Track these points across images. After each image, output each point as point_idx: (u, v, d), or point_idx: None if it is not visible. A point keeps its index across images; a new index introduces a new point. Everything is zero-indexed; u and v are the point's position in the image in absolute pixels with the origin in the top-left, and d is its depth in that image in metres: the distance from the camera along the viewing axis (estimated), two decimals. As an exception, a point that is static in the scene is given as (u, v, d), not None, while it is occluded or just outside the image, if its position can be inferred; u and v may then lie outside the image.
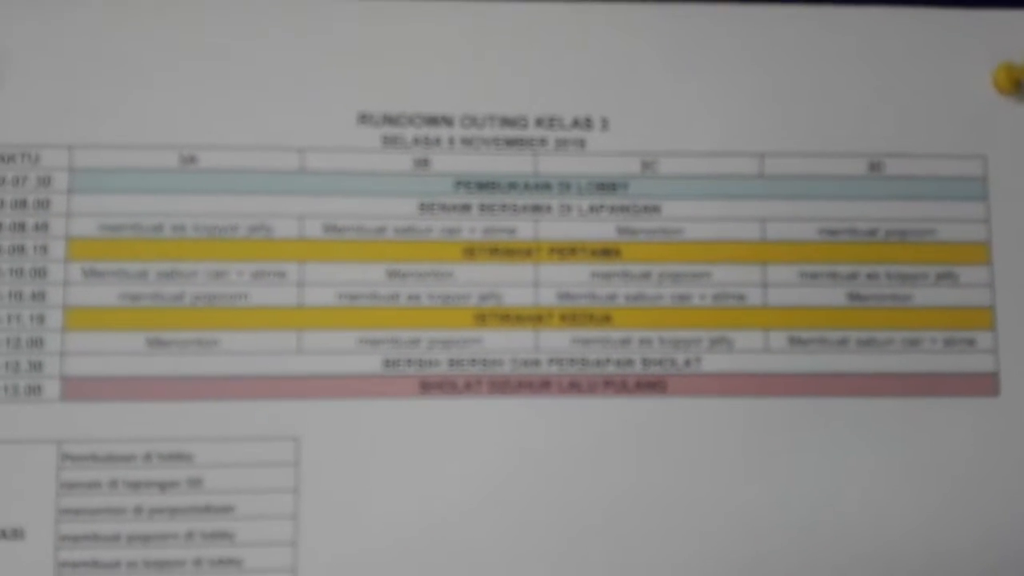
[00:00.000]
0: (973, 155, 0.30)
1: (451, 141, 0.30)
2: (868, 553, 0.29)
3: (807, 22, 0.31)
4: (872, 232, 0.30)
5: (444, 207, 0.29)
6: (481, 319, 0.29)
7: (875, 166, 0.30)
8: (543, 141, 0.30)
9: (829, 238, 0.30)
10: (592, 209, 0.30)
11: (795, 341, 0.29)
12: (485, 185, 0.30)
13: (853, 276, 0.30)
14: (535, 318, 0.29)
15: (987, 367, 0.29)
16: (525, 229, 0.29)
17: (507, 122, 0.30)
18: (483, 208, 0.29)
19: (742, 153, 0.30)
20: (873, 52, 0.31)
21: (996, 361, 0.29)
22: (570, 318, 0.29)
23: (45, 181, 0.29)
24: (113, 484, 0.28)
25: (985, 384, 0.29)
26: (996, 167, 0.30)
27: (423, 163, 0.30)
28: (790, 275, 0.30)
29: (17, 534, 0.27)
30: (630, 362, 0.29)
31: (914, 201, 0.30)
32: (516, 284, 0.29)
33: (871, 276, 0.30)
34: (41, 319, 0.28)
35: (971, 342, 0.30)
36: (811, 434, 0.29)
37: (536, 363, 0.29)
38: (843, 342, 0.29)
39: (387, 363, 0.29)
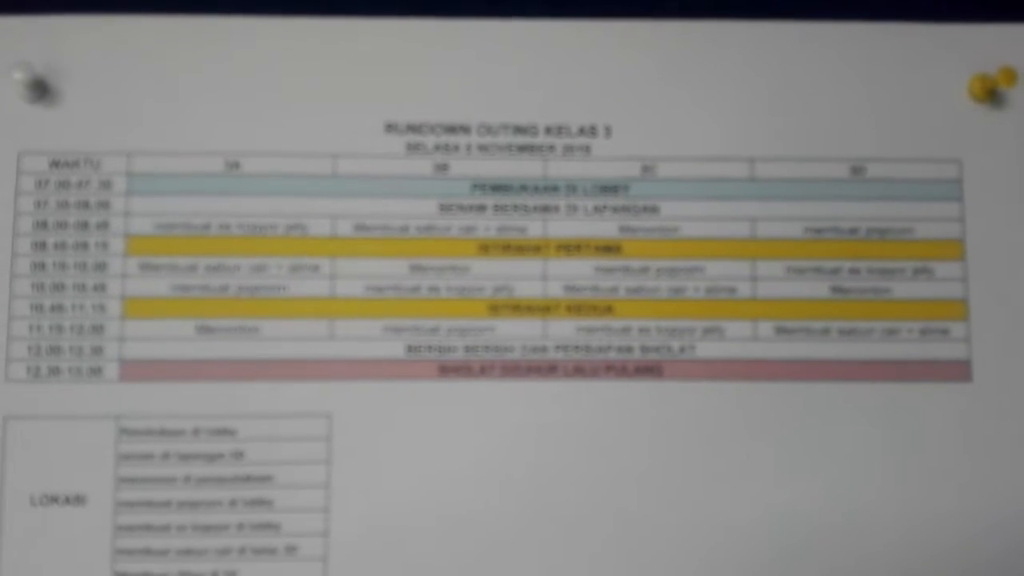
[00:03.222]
0: (949, 159, 0.30)
1: (468, 148, 0.30)
2: (847, 527, 0.29)
3: (794, 36, 0.31)
4: (854, 230, 0.30)
5: (462, 207, 0.30)
6: (494, 309, 0.29)
7: (857, 169, 0.30)
8: (552, 147, 0.30)
9: (814, 236, 0.30)
10: (596, 209, 0.30)
11: (781, 330, 0.30)
12: (499, 187, 0.30)
13: (836, 271, 0.30)
14: (543, 309, 0.30)
15: (960, 355, 0.30)
16: (535, 228, 0.30)
17: (519, 130, 0.30)
18: (497, 208, 0.30)
19: (734, 158, 0.30)
20: (856, 64, 0.31)
21: (969, 349, 0.30)
22: (575, 309, 0.30)
23: (106, 184, 0.29)
24: (165, 456, 0.28)
25: (958, 371, 0.29)
26: (970, 170, 0.30)
27: (443, 168, 0.30)
28: (777, 270, 0.30)
29: (80, 500, 0.28)
30: (630, 349, 0.29)
31: (893, 201, 0.30)
32: (526, 278, 0.30)
33: (853, 271, 0.30)
34: (102, 308, 0.29)
35: (945, 332, 0.30)
36: (796, 416, 0.29)
37: (544, 349, 0.29)
38: (826, 331, 0.30)
39: (409, 349, 0.29)
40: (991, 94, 0.31)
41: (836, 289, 0.30)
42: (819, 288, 0.30)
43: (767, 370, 0.29)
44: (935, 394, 0.29)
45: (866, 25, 0.31)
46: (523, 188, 0.30)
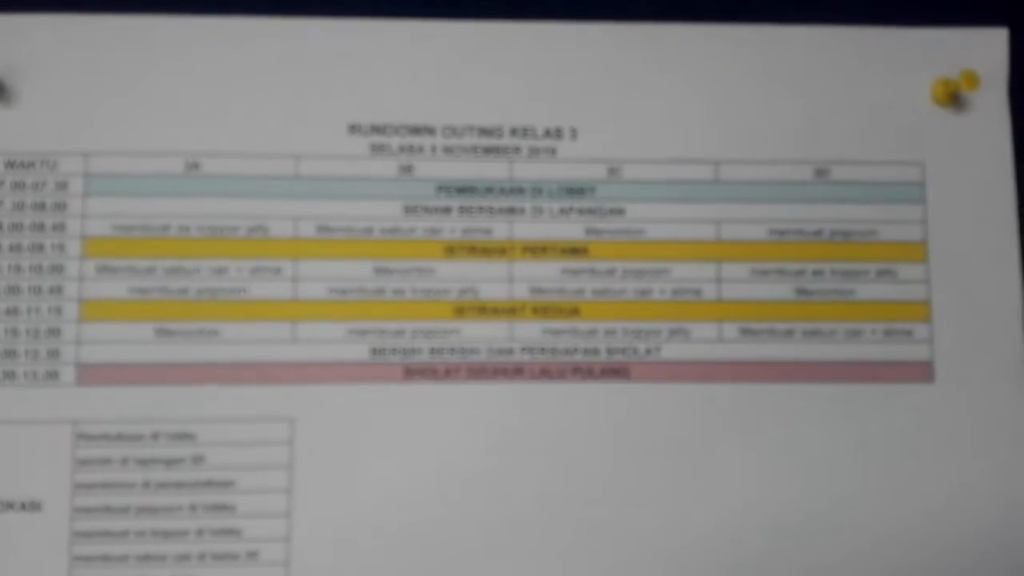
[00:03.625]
0: (912, 162, 0.31)
1: (433, 149, 0.30)
2: (811, 526, 0.29)
3: (758, 41, 0.31)
4: (818, 232, 0.30)
5: (427, 209, 0.30)
6: (460, 311, 0.29)
7: (821, 172, 0.30)
8: (517, 149, 0.30)
9: (778, 238, 0.30)
10: (562, 211, 0.30)
11: (746, 332, 0.30)
12: (464, 189, 0.30)
13: (800, 273, 0.30)
14: (509, 310, 0.29)
15: (923, 356, 0.30)
16: (500, 230, 0.30)
17: (484, 132, 0.30)
18: (462, 210, 0.30)
19: (699, 160, 0.30)
20: (820, 67, 0.31)
21: (931, 351, 0.30)
22: (541, 310, 0.29)
23: (62, 185, 0.29)
24: (124, 461, 0.28)
25: (921, 372, 0.30)
26: (933, 173, 0.31)
27: (407, 169, 0.30)
28: (742, 272, 0.30)
29: (35, 506, 0.28)
30: (596, 351, 0.29)
31: (857, 204, 0.30)
32: (492, 280, 0.29)
33: (816, 273, 0.30)
34: (59, 311, 0.28)
35: (908, 333, 0.30)
36: (761, 416, 0.29)
37: (510, 351, 0.29)
38: (790, 333, 0.30)
39: (374, 351, 0.29)
40: (953, 98, 0.31)
41: (800, 291, 0.30)
42: (783, 290, 0.30)
43: (732, 371, 0.29)
44: (898, 395, 0.30)
45: (830, 29, 0.31)
46: (488, 190, 0.30)
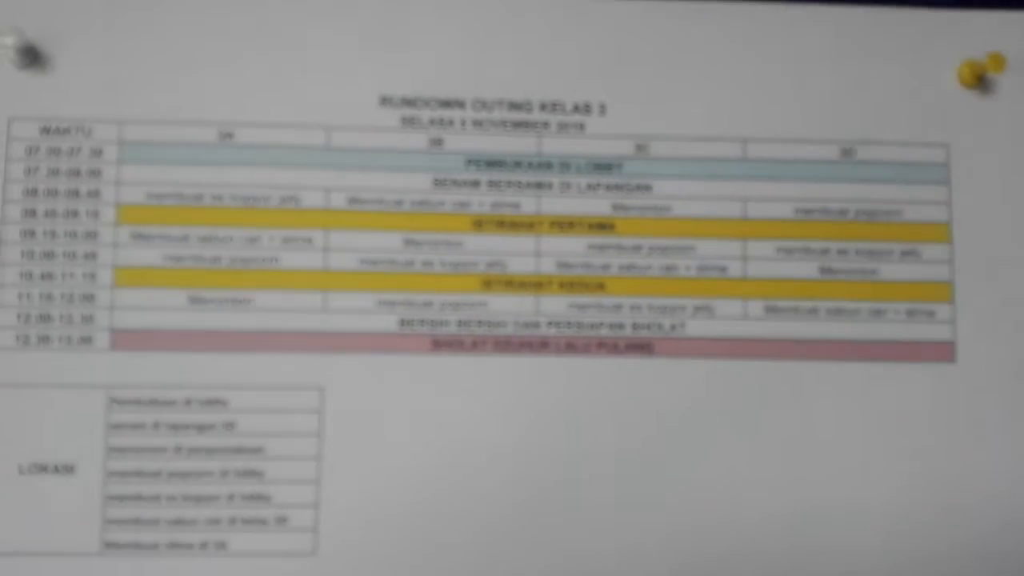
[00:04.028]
0: (937, 143, 0.31)
1: (463, 123, 0.30)
2: (832, 503, 0.29)
3: (788, 19, 0.31)
4: (843, 212, 0.30)
5: (456, 182, 0.30)
6: (487, 284, 0.30)
7: (847, 151, 0.30)
8: (546, 124, 0.30)
9: (804, 216, 0.30)
10: (590, 187, 0.30)
11: (771, 309, 0.30)
12: (493, 163, 0.30)
13: (825, 251, 0.30)
14: (536, 285, 0.30)
15: (945, 336, 0.30)
16: (528, 204, 0.30)
17: (514, 106, 0.30)
18: (491, 184, 0.30)
19: (726, 138, 0.30)
20: (847, 47, 0.31)
21: (954, 331, 0.30)
22: (568, 285, 0.30)
23: (97, 152, 0.29)
24: (156, 426, 0.28)
25: (943, 351, 0.30)
26: (958, 154, 0.31)
27: (437, 142, 0.30)
28: (767, 250, 0.30)
29: (69, 469, 0.28)
30: (621, 326, 0.29)
31: (882, 184, 0.30)
32: (519, 254, 0.30)
33: (841, 252, 0.30)
34: (93, 277, 0.29)
35: (931, 313, 0.30)
36: (783, 393, 0.29)
37: (536, 325, 0.29)
38: (814, 311, 0.30)
39: (403, 322, 0.29)
40: (980, 80, 0.31)
41: (825, 270, 0.30)
42: (808, 268, 0.30)
43: (756, 348, 0.30)
44: (920, 374, 0.30)
45: (859, 9, 0.31)
46: (517, 164, 0.30)
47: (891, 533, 0.29)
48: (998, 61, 0.30)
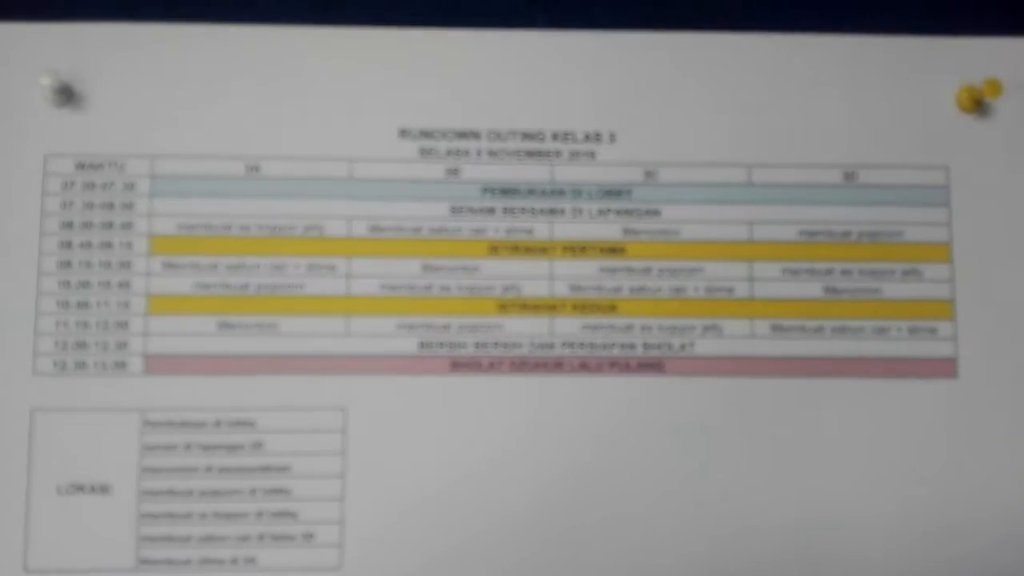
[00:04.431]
0: (937, 166, 0.31)
1: (479, 153, 0.31)
2: (838, 516, 0.30)
3: (790, 48, 0.32)
4: (846, 233, 0.31)
5: (472, 210, 0.31)
6: (503, 307, 0.30)
7: (849, 175, 0.31)
8: (558, 153, 0.31)
9: (808, 239, 0.31)
10: (600, 212, 0.31)
11: (777, 328, 0.30)
12: (508, 191, 0.31)
13: (829, 272, 0.31)
14: (550, 307, 0.30)
15: (947, 353, 0.31)
16: (542, 230, 0.31)
17: (527, 136, 0.31)
18: (506, 211, 0.31)
19: (732, 163, 0.31)
20: (849, 74, 0.32)
21: (955, 348, 0.31)
22: (580, 307, 0.30)
23: (130, 186, 0.30)
24: (187, 447, 0.29)
25: (945, 368, 0.30)
26: (957, 177, 0.31)
27: (454, 172, 0.31)
28: (773, 271, 0.31)
29: (105, 489, 0.29)
30: (632, 346, 0.30)
31: (884, 206, 0.31)
32: (534, 277, 0.30)
33: (845, 272, 0.31)
34: (127, 305, 0.30)
35: (933, 331, 0.31)
36: (790, 410, 0.30)
37: (551, 346, 0.30)
38: (820, 330, 0.30)
39: (422, 345, 0.30)
40: (977, 104, 0.32)
41: (829, 289, 0.31)
42: (813, 288, 0.31)
43: (763, 367, 0.30)
44: (922, 390, 0.30)
45: (859, 38, 0.32)
46: (531, 192, 0.31)
47: (895, 545, 0.30)
48: (995, 87, 0.31)
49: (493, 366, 0.30)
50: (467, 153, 0.31)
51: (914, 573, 0.30)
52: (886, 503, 0.30)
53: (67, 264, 0.30)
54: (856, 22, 0.32)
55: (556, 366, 0.30)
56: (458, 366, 0.30)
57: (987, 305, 0.31)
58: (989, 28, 0.32)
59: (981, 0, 0.33)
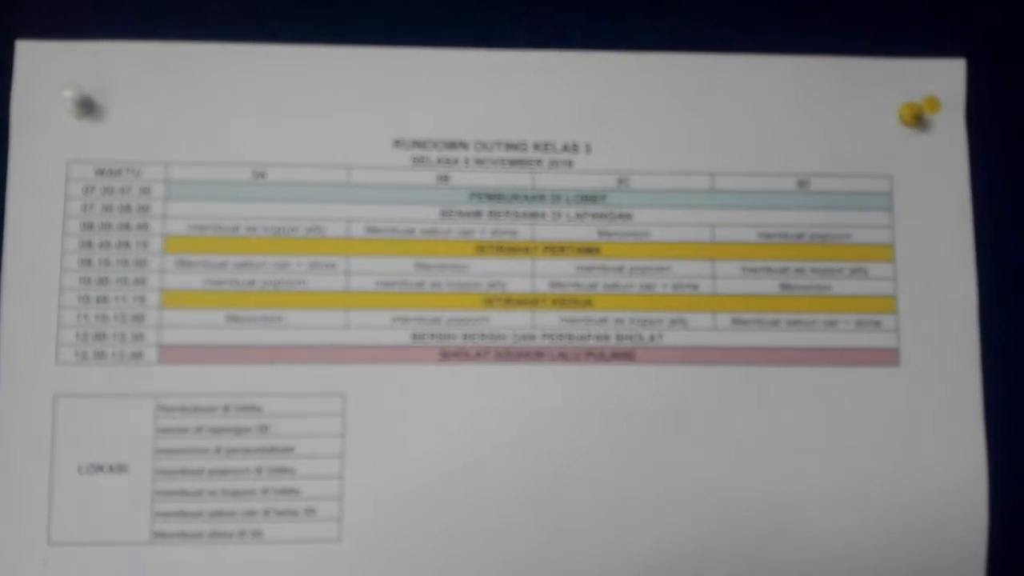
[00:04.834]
0: (882, 174, 0.33)
1: (466, 161, 0.32)
2: (791, 495, 0.31)
3: (749, 69, 0.33)
4: (800, 235, 0.32)
5: (460, 213, 0.32)
6: (489, 302, 0.32)
7: (803, 183, 0.33)
8: (539, 162, 0.32)
9: (765, 240, 0.32)
10: (578, 216, 0.32)
11: (737, 321, 0.32)
12: (493, 196, 0.32)
13: (784, 270, 0.32)
14: (532, 302, 0.32)
15: (890, 344, 0.32)
16: (524, 231, 0.32)
17: (511, 146, 0.32)
18: (491, 214, 0.32)
19: (697, 172, 0.32)
20: (803, 92, 0.33)
21: (897, 339, 0.32)
22: (559, 302, 0.32)
23: (145, 191, 0.31)
24: (198, 430, 0.30)
25: (888, 357, 0.32)
26: (900, 184, 0.33)
27: (444, 179, 0.32)
28: (734, 269, 0.32)
29: (122, 469, 0.30)
30: (606, 337, 0.32)
31: (833, 211, 0.33)
32: (517, 275, 0.32)
33: (798, 271, 0.32)
34: (142, 299, 0.31)
35: (877, 323, 0.32)
36: (750, 395, 0.32)
37: (532, 337, 0.32)
38: (776, 323, 0.32)
39: (414, 336, 0.31)
40: (918, 119, 0.33)
41: (784, 286, 0.32)
42: (770, 285, 0.32)
43: (725, 356, 0.32)
44: (868, 377, 0.32)
45: (811, 59, 0.33)
46: (514, 197, 0.32)
47: (846, 522, 0.31)
48: (933, 103, 0.33)
49: (480, 355, 0.31)
50: (456, 161, 0.32)
51: (863, 548, 0.31)
52: (836, 481, 0.31)
53: (87, 262, 0.31)
54: (809, 45, 0.33)
55: (537, 355, 0.31)
56: (447, 356, 0.31)
57: (927, 301, 0.32)
58: (928, 50, 0.34)
59: (921, 25, 0.34)
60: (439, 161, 0.32)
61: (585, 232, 0.32)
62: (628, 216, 0.32)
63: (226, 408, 0.31)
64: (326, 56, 0.32)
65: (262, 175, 0.32)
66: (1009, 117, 0.34)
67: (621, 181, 0.33)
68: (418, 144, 0.32)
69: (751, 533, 0.31)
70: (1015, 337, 0.33)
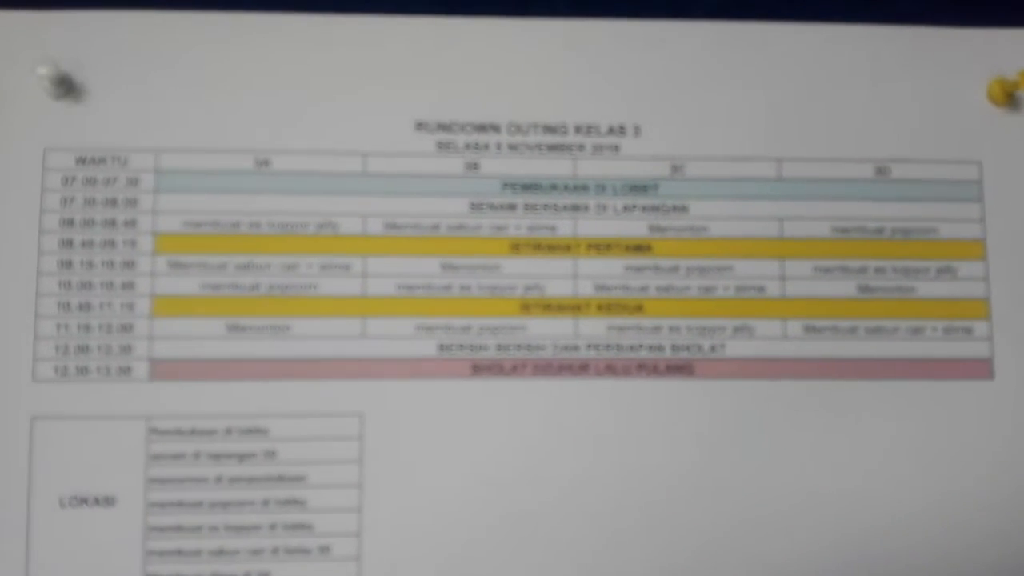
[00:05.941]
0: (970, 160, 0.31)
1: (499, 146, 0.30)
2: (873, 522, 0.29)
3: (821, 39, 0.31)
4: (879, 230, 0.30)
5: (492, 206, 0.30)
6: (526, 308, 0.30)
7: (882, 170, 0.31)
8: (581, 147, 0.30)
9: (840, 235, 0.30)
10: (626, 209, 0.30)
11: (810, 329, 0.30)
12: (529, 186, 0.30)
13: (862, 270, 0.30)
14: (574, 307, 0.30)
15: (982, 353, 0.30)
16: (565, 227, 0.30)
17: (549, 129, 0.30)
18: (527, 207, 0.30)
19: (761, 158, 0.30)
20: (880, 66, 0.31)
21: (991, 348, 0.30)
22: (606, 307, 0.30)
23: (133, 181, 0.29)
24: (196, 456, 0.28)
25: (981, 368, 0.30)
26: (990, 171, 0.31)
27: (473, 166, 0.30)
28: (805, 269, 0.30)
29: (110, 501, 0.28)
30: (660, 347, 0.30)
31: (917, 202, 0.31)
32: (557, 276, 0.30)
33: (878, 270, 0.30)
34: (131, 307, 0.29)
35: (968, 331, 0.30)
36: (823, 413, 0.29)
37: (575, 348, 0.29)
38: (853, 330, 0.30)
39: (441, 347, 0.29)
40: (1010, 97, 0.31)
41: (863, 288, 0.30)
42: (846, 287, 0.30)
43: (795, 369, 0.30)
44: (958, 392, 0.30)
45: (890, 28, 0.31)
46: (553, 187, 0.30)
47: (931, 551, 0.29)
48: None
49: (516, 369, 0.29)
50: (486, 147, 0.30)
51: (951, 571, 0.29)
52: (923, 508, 0.29)
53: (68, 264, 0.29)
54: (885, 13, 0.31)
55: (581, 369, 0.29)
56: (479, 369, 0.29)
57: (1022, 304, 0.30)
58: (1021, 18, 0.32)
59: (1013, -11, 0.32)
60: (467, 147, 0.30)
61: (634, 227, 0.30)
62: (683, 209, 0.30)
63: (227, 431, 0.29)
64: (339, 26, 0.31)
65: (266, 163, 0.30)
66: (1117, 93, 0.32)
67: (675, 168, 0.31)
68: (443, 127, 0.30)
69: (823, 567, 0.29)
70: (1125, 345, 0.31)
